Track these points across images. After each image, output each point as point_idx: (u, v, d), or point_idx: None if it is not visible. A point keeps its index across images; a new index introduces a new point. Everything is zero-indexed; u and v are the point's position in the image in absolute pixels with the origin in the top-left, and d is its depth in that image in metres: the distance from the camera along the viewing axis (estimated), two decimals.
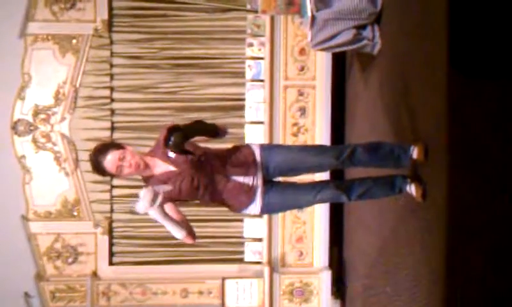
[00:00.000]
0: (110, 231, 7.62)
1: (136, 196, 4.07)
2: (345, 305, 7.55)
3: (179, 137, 4.02)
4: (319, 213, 7.56)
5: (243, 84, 7.59)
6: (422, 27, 4.82)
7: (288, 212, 7.56)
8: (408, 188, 4.65)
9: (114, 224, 7.66)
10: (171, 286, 7.63)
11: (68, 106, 7.48)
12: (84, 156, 7.40)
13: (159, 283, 7.63)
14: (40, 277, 7.52)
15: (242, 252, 7.75)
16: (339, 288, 7.63)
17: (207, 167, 4.40)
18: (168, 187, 4.18)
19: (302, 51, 7.48)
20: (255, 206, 4.55)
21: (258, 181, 4.50)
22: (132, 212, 7.60)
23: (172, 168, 4.37)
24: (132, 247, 7.68)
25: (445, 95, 4.28)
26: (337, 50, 6.23)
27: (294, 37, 7.47)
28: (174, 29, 7.60)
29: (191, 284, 7.64)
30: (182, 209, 4.48)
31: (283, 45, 7.48)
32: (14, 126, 7.48)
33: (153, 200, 4.00)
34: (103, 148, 4.30)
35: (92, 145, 7.29)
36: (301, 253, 7.69)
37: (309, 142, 7.38)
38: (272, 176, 4.61)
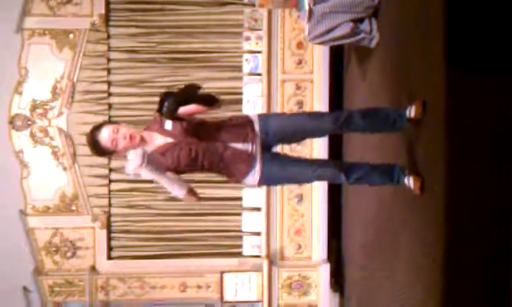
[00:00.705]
0: (108, 226, 7.62)
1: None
2: (344, 297, 7.57)
3: (172, 102, 4.04)
4: (317, 206, 7.57)
5: (241, 78, 7.60)
6: (419, 20, 4.82)
7: (286, 204, 7.58)
8: (405, 180, 4.65)
9: (112, 219, 7.66)
10: (170, 280, 7.64)
11: (65, 101, 7.47)
12: (82, 150, 7.43)
13: (157, 277, 7.64)
14: (38, 271, 7.53)
15: (240, 246, 7.76)
16: (338, 280, 7.64)
17: (204, 136, 4.41)
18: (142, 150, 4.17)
19: (299, 45, 7.47)
20: (254, 175, 4.53)
21: (257, 148, 4.49)
22: (131, 206, 7.62)
23: (169, 140, 4.38)
24: (130, 242, 7.69)
25: (443, 89, 4.28)
26: (335, 43, 6.23)
27: (292, 31, 7.47)
28: (171, 23, 7.60)
29: (190, 278, 7.65)
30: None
31: (280, 38, 7.48)
32: (12, 121, 7.47)
33: (142, 159, 4.01)
34: (98, 126, 4.39)
35: None
36: (300, 246, 7.70)
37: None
38: (271, 142, 4.61)
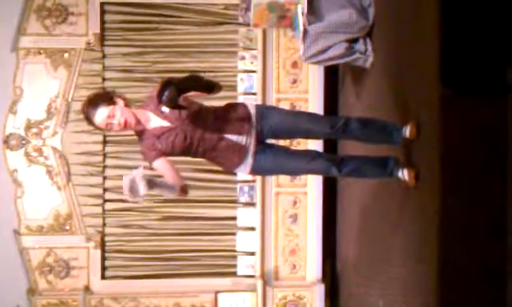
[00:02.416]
0: (102, 245, 7.59)
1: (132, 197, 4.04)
2: None
3: (173, 91, 4.01)
4: (312, 226, 7.56)
5: (235, 97, 7.59)
6: (414, 40, 4.84)
7: (281, 224, 7.57)
8: (400, 173, 4.64)
9: (106, 238, 7.62)
10: (164, 300, 7.60)
11: (60, 120, 7.46)
12: (76, 170, 7.43)
13: (151, 296, 7.60)
14: (32, 291, 7.48)
15: (235, 266, 7.73)
16: (332, 300, 7.62)
17: (201, 124, 4.38)
18: (141, 170, 4.13)
19: (294, 64, 7.49)
20: (245, 166, 4.55)
21: (251, 141, 4.49)
22: (125, 226, 7.59)
23: (165, 123, 4.36)
24: (124, 261, 7.66)
25: (437, 109, 4.29)
26: (329, 63, 6.25)
27: (286, 50, 7.48)
28: (166, 43, 7.61)
29: (184, 298, 7.61)
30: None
31: (275, 58, 7.49)
32: (6, 140, 7.45)
33: (138, 188, 3.99)
34: (94, 101, 4.30)
35: (84, 159, 7.40)
36: (294, 266, 7.68)
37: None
38: (265, 137, 4.61)
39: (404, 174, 4.61)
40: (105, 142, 7.52)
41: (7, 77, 7.37)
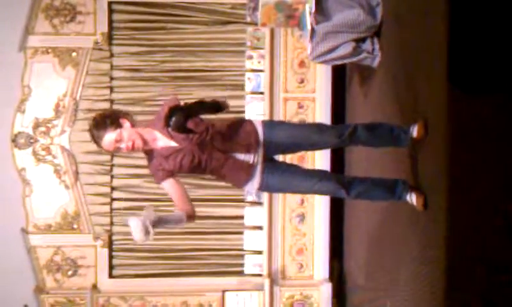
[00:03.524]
0: (110, 244, 7.60)
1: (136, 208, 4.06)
2: None
3: (180, 118, 4.01)
4: (319, 226, 7.56)
5: (243, 97, 7.60)
6: (422, 40, 4.83)
7: (288, 224, 7.57)
8: (408, 197, 4.64)
9: (114, 237, 7.64)
10: (171, 299, 7.61)
11: (68, 119, 7.48)
12: (84, 169, 7.44)
13: (158, 295, 7.61)
14: (39, 290, 7.50)
15: (242, 265, 7.74)
16: (339, 299, 7.62)
17: (208, 143, 4.38)
18: (152, 214, 4.13)
19: (302, 64, 7.49)
20: (253, 184, 4.55)
21: (259, 159, 4.49)
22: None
23: (173, 144, 4.36)
24: (131, 260, 7.67)
25: (444, 109, 4.28)
26: (337, 62, 6.24)
27: (294, 50, 7.48)
28: (173, 42, 7.61)
29: (191, 297, 7.62)
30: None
31: (282, 57, 7.49)
32: (14, 139, 7.47)
33: (146, 229, 3.98)
34: (101, 125, 4.28)
35: (92, 158, 7.41)
36: (301, 266, 7.68)
37: (309, 155, 7.35)
38: (273, 153, 4.61)
39: (412, 199, 4.60)
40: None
41: (15, 76, 7.39)
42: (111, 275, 7.65)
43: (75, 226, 7.57)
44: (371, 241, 6.31)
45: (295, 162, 5.04)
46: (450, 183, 4.18)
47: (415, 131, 4.58)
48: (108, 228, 7.60)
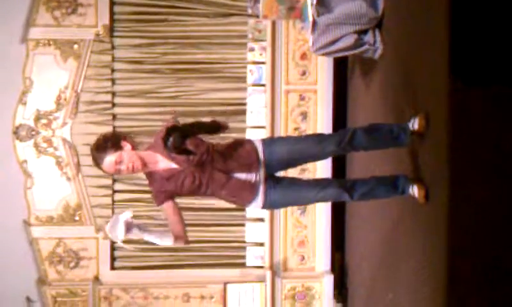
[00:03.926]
0: None
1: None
2: None
3: (177, 138, 4.03)
4: (321, 218, 7.57)
5: (244, 89, 7.60)
6: (423, 32, 4.82)
7: (290, 216, 7.58)
8: (410, 189, 4.65)
9: None
10: (173, 290, 7.63)
11: (69, 111, 7.48)
12: (86, 161, 7.43)
13: (160, 287, 7.63)
14: (41, 281, 7.53)
15: (244, 257, 7.76)
16: (341, 292, 7.63)
17: (209, 164, 4.39)
18: (129, 214, 4.20)
19: (303, 56, 7.48)
20: (257, 203, 4.56)
21: (261, 178, 4.50)
22: (134, 217, 7.58)
23: (174, 165, 4.37)
24: (133, 252, 7.66)
25: (446, 100, 4.28)
26: (338, 54, 6.23)
27: (296, 42, 7.47)
28: (175, 34, 7.61)
29: (193, 288, 7.64)
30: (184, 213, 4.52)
31: (284, 49, 7.48)
32: (16, 131, 7.48)
33: (126, 232, 4.03)
34: (102, 147, 4.30)
35: None
36: (303, 258, 7.69)
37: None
38: (275, 170, 4.61)
39: (414, 191, 4.60)
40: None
41: (17, 68, 7.39)
42: (112, 267, 7.67)
43: (76, 218, 7.59)
44: (373, 233, 6.31)
45: (296, 172, 5.01)
46: (452, 176, 4.18)
47: (416, 123, 4.58)
48: (110, 219, 7.59)
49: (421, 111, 4.59)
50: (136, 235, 4.13)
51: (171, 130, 4.04)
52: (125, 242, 4.30)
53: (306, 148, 4.65)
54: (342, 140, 4.60)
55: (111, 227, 4.08)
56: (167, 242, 4.30)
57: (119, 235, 4.10)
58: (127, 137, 4.43)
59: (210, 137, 4.45)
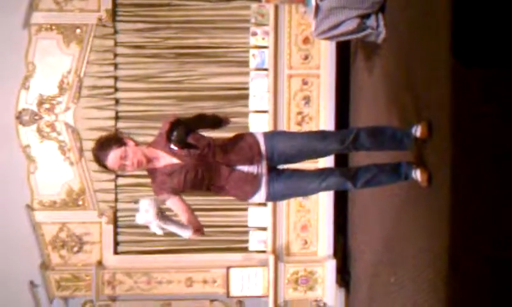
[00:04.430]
0: (115, 221, 7.63)
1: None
2: (350, 293, 7.57)
3: (181, 132, 4.04)
4: (323, 202, 7.56)
5: (247, 73, 7.59)
6: (426, 16, 4.82)
7: (292, 200, 7.57)
8: (413, 174, 4.65)
9: (118, 214, 7.67)
10: (176, 275, 7.64)
11: (72, 96, 7.49)
12: (89, 145, 7.42)
13: (163, 272, 7.64)
14: (45, 266, 7.54)
15: (246, 241, 7.77)
16: (344, 276, 7.64)
17: (211, 158, 4.40)
18: (164, 197, 4.18)
19: (306, 40, 7.46)
20: (260, 195, 4.56)
21: (263, 170, 4.50)
22: (137, 201, 7.61)
23: (175, 160, 4.37)
24: (136, 237, 7.69)
25: (448, 83, 4.27)
26: (341, 39, 6.23)
27: (298, 26, 7.45)
28: (178, 19, 7.59)
29: (196, 273, 7.65)
30: (186, 198, 4.51)
31: (287, 34, 7.46)
32: (19, 116, 7.48)
33: (158, 213, 3.99)
34: (105, 145, 4.31)
35: (97, 134, 7.39)
36: (306, 242, 7.69)
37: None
38: (276, 163, 4.61)
39: (417, 175, 4.60)
40: (117, 118, 7.54)
41: (19, 53, 7.39)
42: (116, 252, 7.68)
43: (80, 203, 7.60)
44: (375, 217, 6.32)
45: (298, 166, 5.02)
46: (454, 160, 4.18)
47: (418, 131, 4.59)
48: (113, 204, 7.62)
49: (423, 119, 4.59)
50: (162, 223, 4.09)
51: (175, 125, 4.05)
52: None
53: (309, 144, 4.65)
54: (345, 139, 4.61)
55: (149, 211, 4.00)
56: (187, 234, 4.28)
57: (146, 217, 4.02)
58: (129, 136, 4.45)
59: (212, 131, 4.46)
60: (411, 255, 5.06)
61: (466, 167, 4.02)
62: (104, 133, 4.67)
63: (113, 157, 4.25)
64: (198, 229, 4.37)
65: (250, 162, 4.48)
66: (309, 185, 4.66)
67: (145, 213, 3.97)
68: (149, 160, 4.36)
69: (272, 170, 4.57)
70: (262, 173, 4.50)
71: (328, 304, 7.75)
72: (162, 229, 4.10)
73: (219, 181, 4.46)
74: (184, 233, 4.27)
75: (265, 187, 4.52)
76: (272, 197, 4.70)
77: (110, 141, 4.33)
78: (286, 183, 4.58)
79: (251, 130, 7.27)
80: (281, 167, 4.69)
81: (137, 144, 4.39)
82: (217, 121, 4.32)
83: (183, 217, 4.40)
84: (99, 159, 4.31)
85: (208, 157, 4.39)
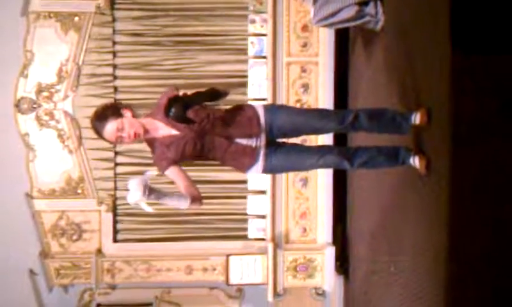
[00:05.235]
0: (114, 209, 7.64)
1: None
2: (349, 281, 7.58)
3: (180, 107, 4.02)
4: (322, 189, 7.58)
5: (246, 61, 7.59)
6: (424, 3, 4.81)
7: (291, 188, 7.58)
8: (411, 160, 4.65)
9: (118, 202, 7.68)
10: (176, 263, 7.65)
11: (71, 84, 7.48)
12: (88, 133, 7.44)
13: (163, 259, 7.66)
14: (44, 254, 7.56)
15: (246, 229, 7.78)
16: (342, 263, 7.66)
17: (210, 130, 4.38)
18: (153, 173, 4.17)
19: (304, 27, 7.45)
20: (257, 167, 4.55)
21: (261, 143, 4.49)
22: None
23: (174, 132, 4.36)
24: (136, 225, 7.71)
25: (447, 70, 4.27)
26: (340, 26, 6.21)
27: (297, 13, 7.44)
28: (176, 6, 7.58)
29: (195, 261, 7.66)
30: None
31: (285, 21, 7.45)
32: (17, 104, 7.48)
33: (145, 190, 3.98)
34: (102, 116, 4.27)
35: None
36: (305, 229, 7.71)
37: None
38: (275, 136, 4.60)
39: (415, 161, 4.61)
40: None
41: (18, 41, 7.38)
42: (115, 240, 7.70)
43: (79, 191, 7.61)
44: (374, 205, 6.32)
45: (298, 139, 5.02)
46: (453, 147, 4.18)
47: (417, 118, 4.58)
48: (112, 192, 7.63)
49: (422, 106, 4.58)
50: (154, 198, 4.09)
51: (173, 101, 4.04)
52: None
53: (308, 120, 4.64)
54: (344, 120, 4.60)
55: (136, 191, 4.00)
56: (184, 204, 4.26)
57: (144, 198, 4.02)
58: (127, 106, 4.42)
59: (211, 103, 4.44)
60: (410, 243, 5.07)
61: (465, 154, 4.03)
62: (101, 104, 4.63)
63: (110, 128, 4.23)
64: (197, 198, 4.36)
65: (249, 135, 4.47)
66: (307, 161, 4.65)
67: (135, 192, 3.97)
68: (147, 131, 4.35)
69: (271, 143, 4.56)
70: (261, 145, 4.49)
71: (327, 291, 7.77)
72: (158, 204, 4.10)
73: (218, 152, 4.46)
74: (181, 204, 4.27)
75: (262, 160, 4.51)
76: (270, 169, 4.68)
77: (106, 112, 4.30)
78: (284, 157, 4.57)
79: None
80: (280, 140, 4.69)
81: (134, 115, 4.36)
82: (215, 94, 4.29)
83: (182, 186, 4.38)
84: (96, 130, 4.30)
85: (207, 129, 4.38)
